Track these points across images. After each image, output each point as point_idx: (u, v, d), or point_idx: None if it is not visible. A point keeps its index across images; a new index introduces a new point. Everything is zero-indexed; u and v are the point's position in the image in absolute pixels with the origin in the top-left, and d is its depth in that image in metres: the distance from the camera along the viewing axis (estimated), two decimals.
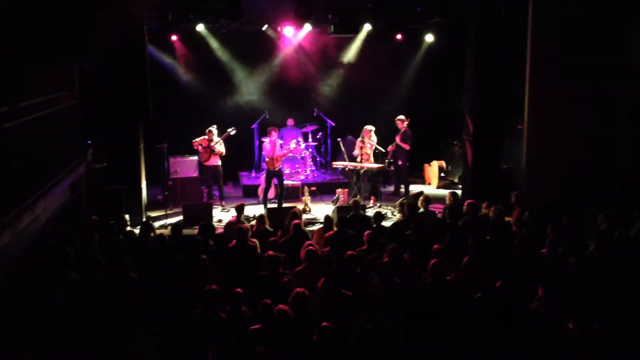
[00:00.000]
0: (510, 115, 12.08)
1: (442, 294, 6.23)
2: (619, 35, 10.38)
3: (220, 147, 12.66)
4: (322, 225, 9.65)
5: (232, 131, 12.87)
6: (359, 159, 12.77)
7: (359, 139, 12.81)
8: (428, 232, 8.77)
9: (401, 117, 13.35)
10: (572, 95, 10.50)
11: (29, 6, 8.02)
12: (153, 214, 12.10)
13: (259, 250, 8.16)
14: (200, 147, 12.70)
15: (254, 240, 8.41)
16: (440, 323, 5.79)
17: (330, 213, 11.02)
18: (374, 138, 12.82)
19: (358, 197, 11.65)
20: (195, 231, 9.34)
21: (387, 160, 13.33)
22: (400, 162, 13.47)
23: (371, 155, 12.74)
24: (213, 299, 6.00)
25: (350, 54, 15.36)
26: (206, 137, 12.70)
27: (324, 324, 5.45)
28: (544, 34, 10.52)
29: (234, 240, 8.10)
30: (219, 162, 12.83)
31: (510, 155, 12.56)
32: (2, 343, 5.13)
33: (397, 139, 13.27)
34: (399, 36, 14.61)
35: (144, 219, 11.28)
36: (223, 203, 12.90)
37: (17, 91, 7.31)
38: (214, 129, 12.76)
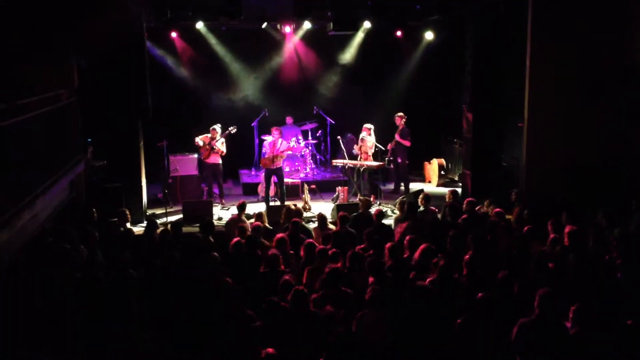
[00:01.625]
0: (510, 112, 12.07)
1: (441, 292, 6.21)
2: (618, 31, 10.37)
3: (221, 146, 12.64)
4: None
5: (232, 130, 12.84)
6: (359, 157, 12.76)
7: (361, 136, 12.79)
8: (427, 230, 8.77)
9: (400, 113, 13.33)
10: (572, 92, 10.50)
11: (26, 3, 8.00)
12: (153, 212, 12.10)
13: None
14: (201, 144, 12.66)
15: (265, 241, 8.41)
16: (439, 321, 5.77)
17: (329, 211, 11.04)
18: (372, 136, 12.80)
19: (372, 197, 11.66)
20: (196, 229, 9.37)
21: (386, 158, 13.32)
22: (399, 160, 13.45)
23: (370, 153, 12.72)
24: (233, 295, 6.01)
25: (350, 51, 15.34)
26: (209, 135, 12.67)
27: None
28: (543, 30, 10.50)
29: (236, 239, 8.08)
30: (220, 161, 12.80)
31: (510, 152, 12.55)
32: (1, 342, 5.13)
33: (397, 136, 13.25)
34: (398, 33, 14.59)
35: (146, 217, 11.29)
36: (223, 201, 12.88)
37: (16, 89, 7.29)
38: (217, 127, 12.72)
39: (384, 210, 10.76)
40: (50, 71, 9.31)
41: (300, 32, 14.40)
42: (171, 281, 6.76)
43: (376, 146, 12.81)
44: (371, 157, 12.74)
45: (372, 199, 12.63)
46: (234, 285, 6.32)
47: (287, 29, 13.81)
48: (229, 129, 12.80)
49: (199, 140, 12.63)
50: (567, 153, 10.59)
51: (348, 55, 15.42)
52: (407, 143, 13.25)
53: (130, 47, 11.07)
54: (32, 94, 7.60)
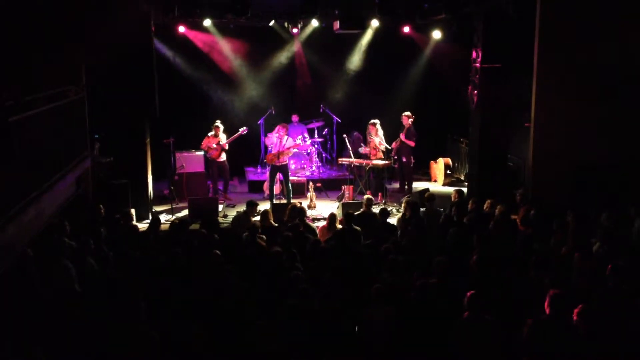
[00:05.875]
0: (517, 112, 12.03)
1: (444, 292, 6.21)
2: (627, 31, 10.30)
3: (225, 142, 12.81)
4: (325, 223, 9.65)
5: (244, 131, 12.95)
6: (369, 155, 12.76)
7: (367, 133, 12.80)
8: (433, 229, 8.77)
9: (407, 113, 13.31)
10: (580, 92, 10.45)
11: (35, 1, 8.04)
12: (159, 209, 12.14)
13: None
14: (212, 146, 12.74)
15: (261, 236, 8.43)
16: (440, 321, 5.77)
17: (335, 209, 11.03)
18: (380, 132, 12.78)
19: (379, 196, 11.61)
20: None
21: (391, 157, 13.31)
22: (404, 159, 13.42)
23: (379, 151, 12.70)
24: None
25: (357, 50, 15.33)
26: (213, 133, 12.76)
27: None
28: (551, 29, 10.46)
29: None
30: (225, 157, 12.96)
31: (517, 152, 12.51)
32: (4, 337, 5.15)
33: (402, 136, 13.24)
34: (406, 31, 14.44)
35: (150, 214, 11.32)
36: (227, 196, 12.99)
37: (23, 85, 7.32)
38: (219, 124, 12.84)
39: (388, 209, 10.74)
40: (58, 68, 9.32)
41: (308, 31, 14.37)
42: (175, 278, 6.78)
43: (385, 147, 12.78)
44: (381, 154, 12.70)
45: (378, 198, 12.61)
46: (238, 281, 6.34)
47: (295, 30, 13.81)
48: (240, 130, 12.90)
49: (207, 144, 12.71)
50: (574, 154, 10.55)
51: (355, 53, 15.40)
52: (411, 143, 13.23)
53: (137, 44, 11.08)
54: (40, 90, 7.62)
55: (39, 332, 5.49)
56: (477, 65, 12.04)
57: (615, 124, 10.46)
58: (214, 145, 12.77)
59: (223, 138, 12.88)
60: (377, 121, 12.82)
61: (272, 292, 6.31)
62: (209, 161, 13.08)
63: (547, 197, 10.20)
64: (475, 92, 12.20)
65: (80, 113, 9.64)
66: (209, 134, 12.85)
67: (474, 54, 12.22)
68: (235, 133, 12.97)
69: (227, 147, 12.89)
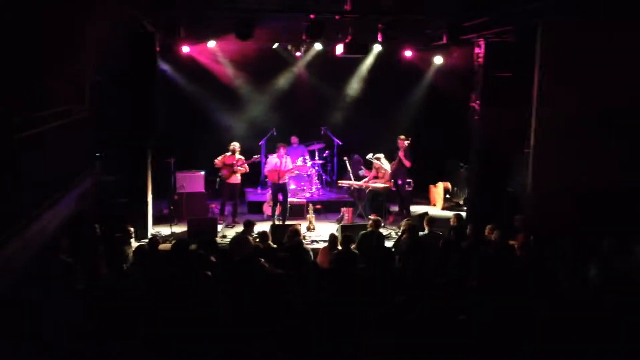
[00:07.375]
0: (517, 137, 12.08)
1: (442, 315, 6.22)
2: (627, 58, 10.37)
3: (242, 167, 12.82)
4: (326, 244, 9.67)
5: (256, 159, 13.14)
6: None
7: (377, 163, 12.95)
8: (431, 253, 8.79)
9: (402, 136, 13.39)
10: (580, 118, 10.49)
11: (41, 19, 8.13)
12: (158, 229, 12.14)
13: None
14: (223, 165, 12.75)
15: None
16: (439, 344, 5.78)
17: (334, 232, 11.04)
18: (386, 164, 12.92)
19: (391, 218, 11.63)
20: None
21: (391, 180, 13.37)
22: (400, 182, 13.46)
23: (385, 175, 12.80)
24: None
25: (358, 73, 15.47)
26: (229, 153, 12.77)
27: None
28: (552, 57, 10.55)
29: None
30: (239, 180, 12.95)
31: (517, 178, 12.54)
32: (4, 354, 5.16)
33: (401, 154, 13.29)
34: (408, 53, 14.58)
35: (150, 233, 11.33)
36: (236, 219, 12.89)
37: (28, 103, 7.39)
38: (237, 145, 12.86)
39: (387, 232, 10.76)
40: (63, 86, 9.41)
41: (310, 54, 14.52)
42: (171, 297, 6.79)
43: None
44: (387, 177, 12.83)
45: (389, 220, 12.64)
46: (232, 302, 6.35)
47: (298, 53, 13.94)
48: (254, 157, 13.06)
49: (221, 162, 12.73)
50: (574, 180, 10.54)
51: (356, 77, 15.54)
52: (407, 164, 13.29)
53: (141, 64, 11.22)
54: (45, 109, 7.69)
55: (39, 349, 5.50)
56: (478, 89, 12.15)
57: (616, 150, 10.47)
58: (224, 165, 12.75)
59: (240, 157, 12.84)
60: (381, 155, 12.97)
61: (268, 313, 6.32)
62: (221, 183, 12.98)
63: (546, 223, 10.20)
64: (476, 117, 12.30)
65: (84, 131, 9.71)
66: (227, 153, 12.84)
67: (474, 79, 12.34)
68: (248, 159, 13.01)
69: (239, 171, 12.83)
